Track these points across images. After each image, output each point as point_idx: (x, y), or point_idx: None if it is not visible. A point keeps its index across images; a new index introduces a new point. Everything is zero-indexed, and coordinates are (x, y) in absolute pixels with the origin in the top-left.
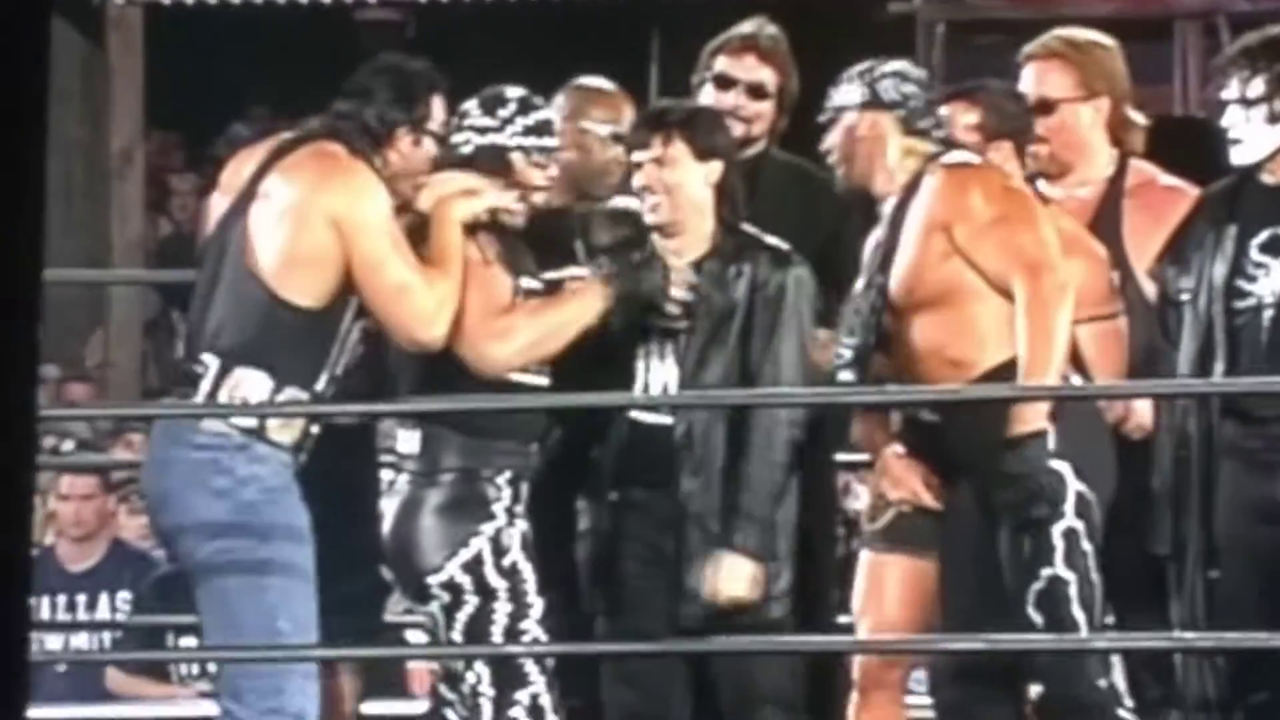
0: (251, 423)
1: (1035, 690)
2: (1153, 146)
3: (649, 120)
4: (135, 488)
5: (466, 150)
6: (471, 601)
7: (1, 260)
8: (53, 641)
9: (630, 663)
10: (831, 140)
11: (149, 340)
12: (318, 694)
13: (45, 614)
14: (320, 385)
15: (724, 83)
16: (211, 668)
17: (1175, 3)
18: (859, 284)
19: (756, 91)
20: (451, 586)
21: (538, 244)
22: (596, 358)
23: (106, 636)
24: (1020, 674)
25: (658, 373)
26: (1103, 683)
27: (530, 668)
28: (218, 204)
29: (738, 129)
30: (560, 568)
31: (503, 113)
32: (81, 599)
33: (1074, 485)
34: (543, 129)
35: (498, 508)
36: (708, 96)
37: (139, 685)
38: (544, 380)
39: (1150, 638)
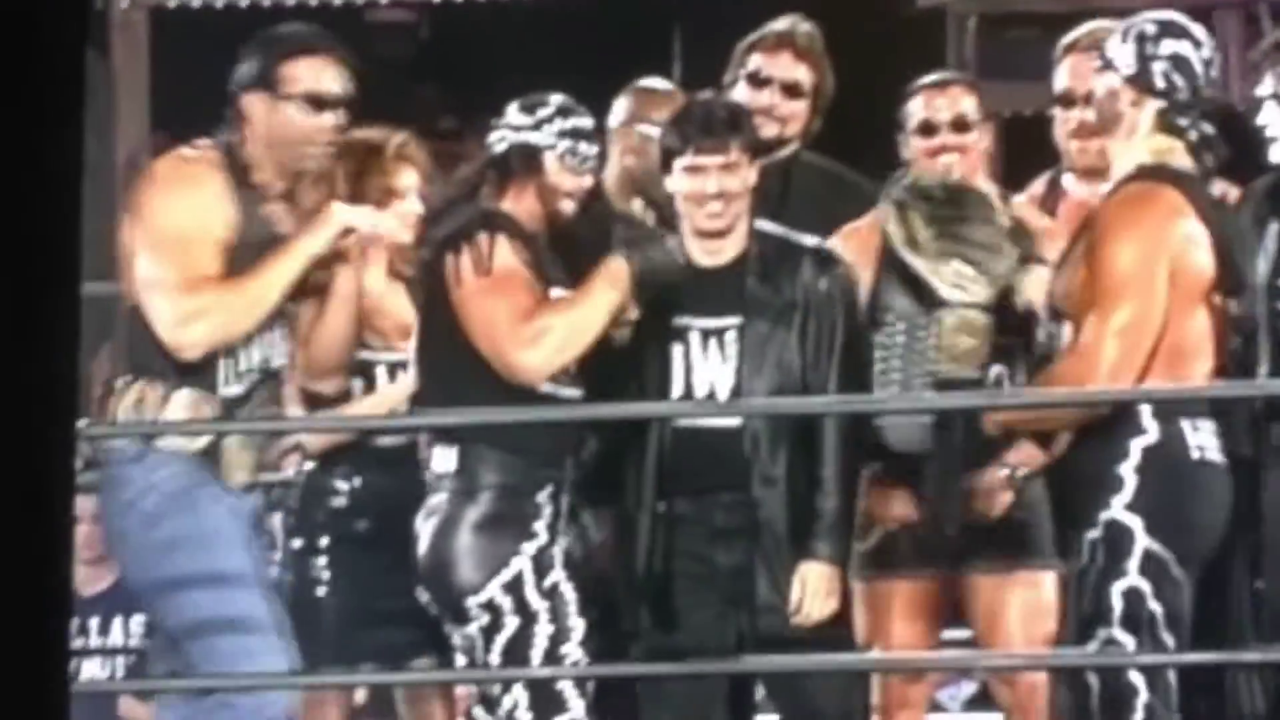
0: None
1: None
2: None
3: (713, 120)
4: None
5: (500, 148)
6: (511, 623)
7: (42, 277)
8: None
9: (670, 684)
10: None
11: None
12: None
13: None
14: (222, 387)
15: (758, 81)
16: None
17: None
18: None
19: (792, 90)
20: (491, 607)
21: (568, 252)
22: (630, 360)
23: (120, 662)
24: None
25: (702, 374)
26: None
27: (570, 693)
28: None
29: (771, 128)
30: (600, 586)
31: (541, 113)
32: (94, 623)
33: (1142, 541)
34: (579, 134)
35: (539, 525)
36: (741, 95)
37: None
38: (576, 391)
39: (1197, 654)
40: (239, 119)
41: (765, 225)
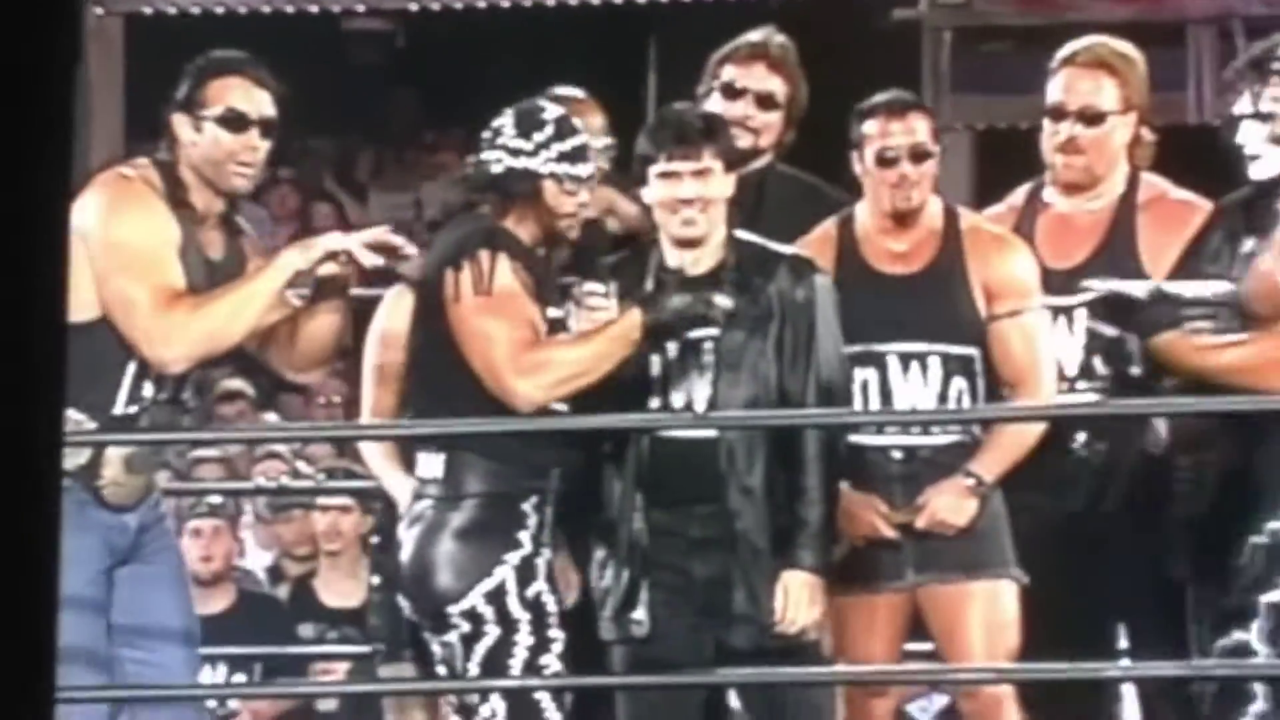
0: None
1: None
2: (1166, 157)
3: (687, 128)
4: None
5: (497, 169)
6: (492, 632)
7: (30, 285)
8: None
9: (647, 694)
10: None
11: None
12: None
13: None
14: (119, 409)
15: (732, 92)
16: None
17: (1188, 7)
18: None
19: (765, 101)
20: (473, 616)
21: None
22: (612, 373)
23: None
24: None
25: (681, 386)
26: None
27: (548, 704)
28: None
29: (745, 140)
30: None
31: (538, 136)
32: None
33: None
34: (577, 155)
35: (524, 535)
36: (715, 106)
37: None
38: (561, 403)
39: (1168, 666)
40: (171, 140)
41: (742, 234)
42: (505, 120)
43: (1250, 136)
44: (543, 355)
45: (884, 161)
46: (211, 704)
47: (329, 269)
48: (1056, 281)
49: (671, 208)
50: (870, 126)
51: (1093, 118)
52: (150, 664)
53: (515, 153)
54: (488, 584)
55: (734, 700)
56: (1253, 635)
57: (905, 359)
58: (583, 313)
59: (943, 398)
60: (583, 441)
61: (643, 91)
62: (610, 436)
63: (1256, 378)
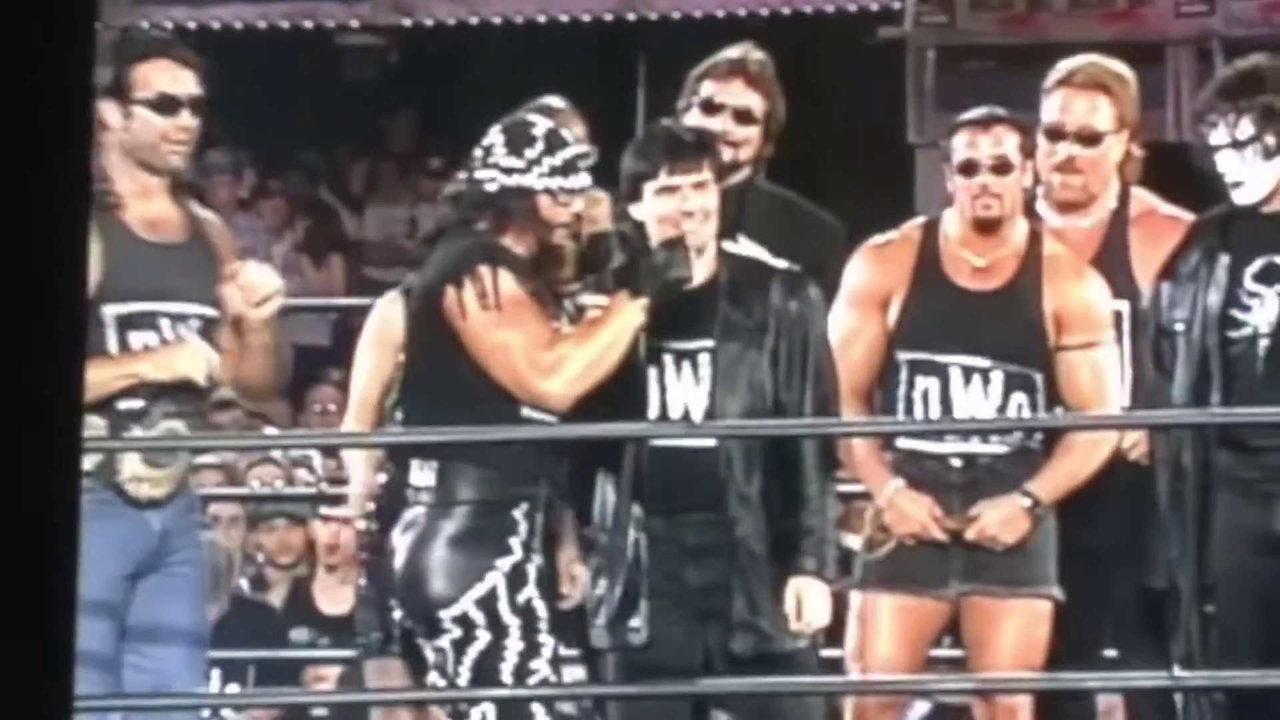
0: None
1: None
2: (1145, 172)
3: (682, 144)
4: None
5: (491, 188)
6: (483, 638)
7: (49, 287)
8: None
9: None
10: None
11: None
12: None
13: None
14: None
15: (711, 108)
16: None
17: (1167, 28)
18: None
19: (744, 117)
20: (464, 621)
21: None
22: (607, 382)
23: None
24: None
25: (676, 395)
26: None
27: (537, 709)
28: None
29: (725, 154)
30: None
31: (530, 153)
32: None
33: None
34: (569, 167)
35: (515, 542)
36: (694, 121)
37: None
38: (552, 416)
39: (1146, 677)
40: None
41: (733, 248)
42: (495, 139)
43: (1231, 164)
44: (562, 352)
45: (967, 170)
46: (206, 712)
47: (265, 309)
48: None
49: (674, 221)
50: (959, 139)
51: (1090, 138)
52: (150, 670)
53: (509, 171)
54: (479, 590)
55: (720, 716)
56: None
57: (968, 372)
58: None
59: (1002, 412)
60: (574, 450)
61: (632, 107)
62: (605, 445)
63: None
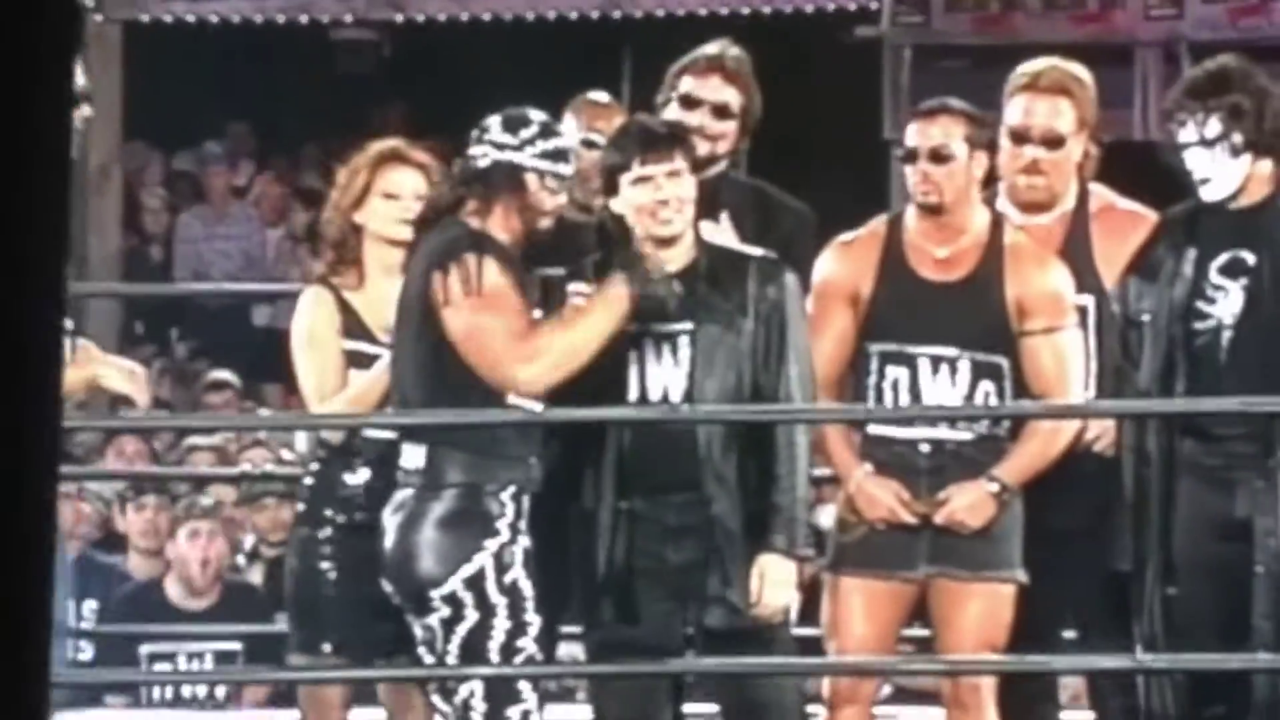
0: None
1: None
2: (1113, 170)
3: (655, 135)
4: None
5: (483, 164)
6: (471, 617)
7: (30, 270)
8: None
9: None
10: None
11: (123, 351)
12: None
13: None
14: None
15: (689, 103)
16: (184, 691)
17: (1136, 30)
18: None
19: (721, 111)
20: (452, 600)
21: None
22: (588, 364)
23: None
24: None
25: (656, 378)
26: None
27: (524, 685)
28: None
29: (703, 147)
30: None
31: (524, 133)
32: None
33: None
34: (559, 155)
35: (502, 524)
36: (673, 115)
37: None
38: (535, 404)
39: (1110, 659)
40: None
41: (711, 236)
42: (493, 120)
43: (1198, 162)
44: (539, 342)
45: (910, 159)
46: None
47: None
48: None
49: (650, 211)
50: (909, 129)
51: (1053, 141)
52: None
53: (501, 147)
54: (467, 570)
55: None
56: None
57: (936, 361)
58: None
59: (970, 400)
60: (559, 435)
61: (617, 102)
62: (590, 428)
63: None
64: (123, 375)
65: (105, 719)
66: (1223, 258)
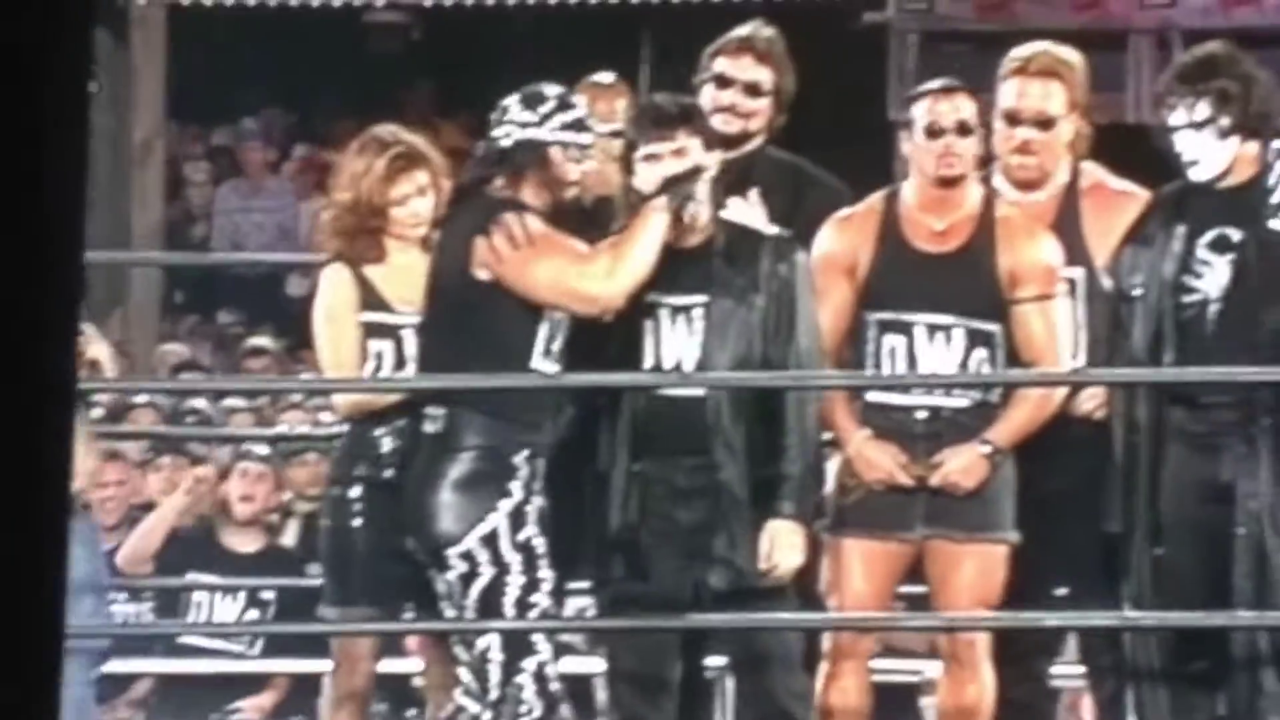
0: None
1: None
2: (1108, 151)
3: (662, 114)
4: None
5: (506, 144)
6: (487, 573)
7: (49, 242)
8: None
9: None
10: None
11: (165, 319)
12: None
13: None
14: None
15: (723, 82)
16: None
17: (1131, 18)
18: None
19: (753, 90)
20: (469, 557)
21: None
22: (605, 332)
23: None
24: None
25: (670, 348)
26: None
27: (538, 638)
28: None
29: (735, 125)
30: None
31: (543, 109)
32: None
33: None
34: (579, 125)
35: (515, 485)
36: (708, 95)
37: None
38: (554, 366)
39: (1099, 616)
40: None
41: (740, 211)
42: (511, 100)
43: (1188, 144)
44: (605, 260)
45: (932, 134)
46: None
47: None
48: None
49: (656, 188)
50: (921, 107)
51: (1044, 122)
52: None
53: (523, 125)
54: (483, 528)
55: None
56: None
57: (932, 329)
58: None
59: (964, 366)
60: (577, 400)
61: (636, 84)
62: (606, 394)
63: None
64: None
65: (147, 667)
66: (1210, 235)
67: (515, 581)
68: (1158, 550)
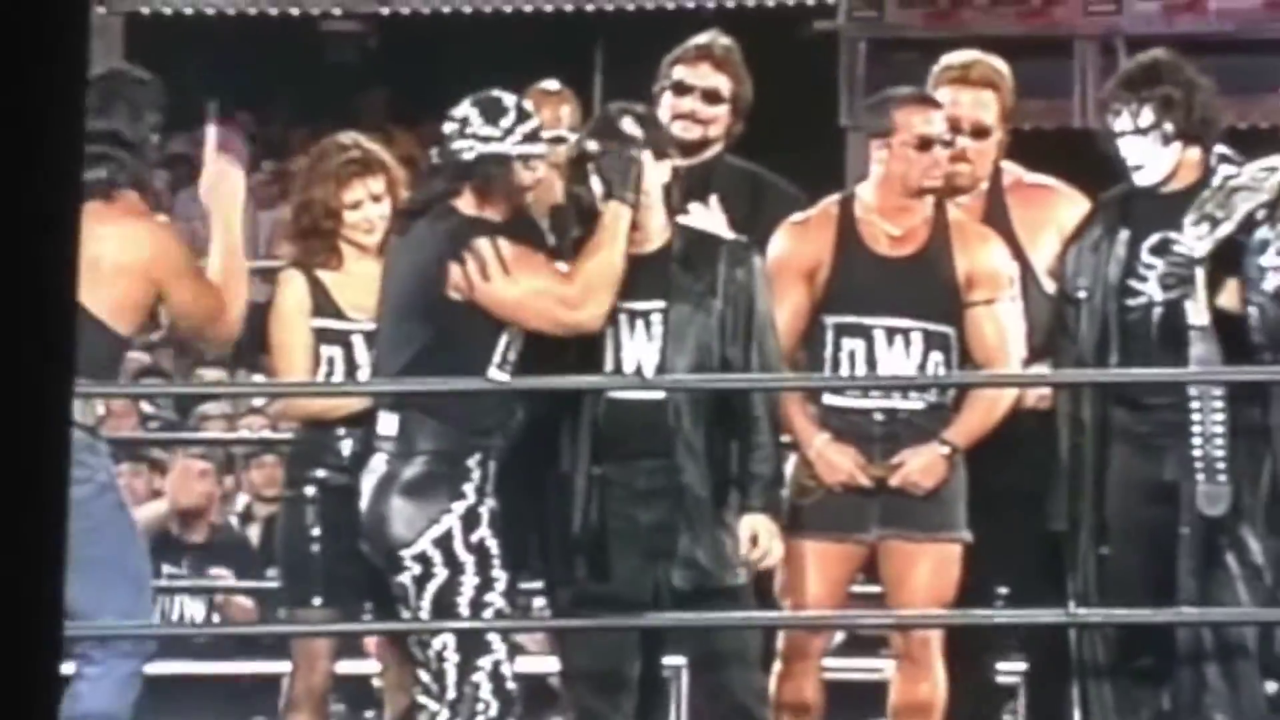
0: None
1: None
2: (1054, 156)
3: (613, 126)
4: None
5: (469, 157)
6: (441, 574)
7: (41, 254)
8: None
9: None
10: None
11: None
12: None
13: None
14: None
15: (681, 89)
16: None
17: (1076, 25)
18: None
19: (711, 97)
20: (423, 559)
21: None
22: (565, 338)
23: None
24: None
25: (630, 353)
26: None
27: (493, 637)
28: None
29: (695, 132)
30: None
31: (504, 122)
32: None
33: None
34: (535, 135)
35: (468, 488)
36: (667, 102)
37: None
38: (505, 375)
39: (1046, 613)
40: None
41: (686, 220)
42: (469, 112)
43: (1132, 149)
44: (581, 279)
45: (924, 145)
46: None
47: None
48: None
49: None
50: (903, 114)
51: (979, 131)
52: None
53: (486, 139)
54: (436, 530)
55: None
56: None
57: (891, 333)
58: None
59: (921, 369)
60: (534, 404)
61: (589, 92)
62: (566, 398)
63: None
64: None
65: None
66: (1153, 238)
67: (469, 582)
68: (1103, 549)
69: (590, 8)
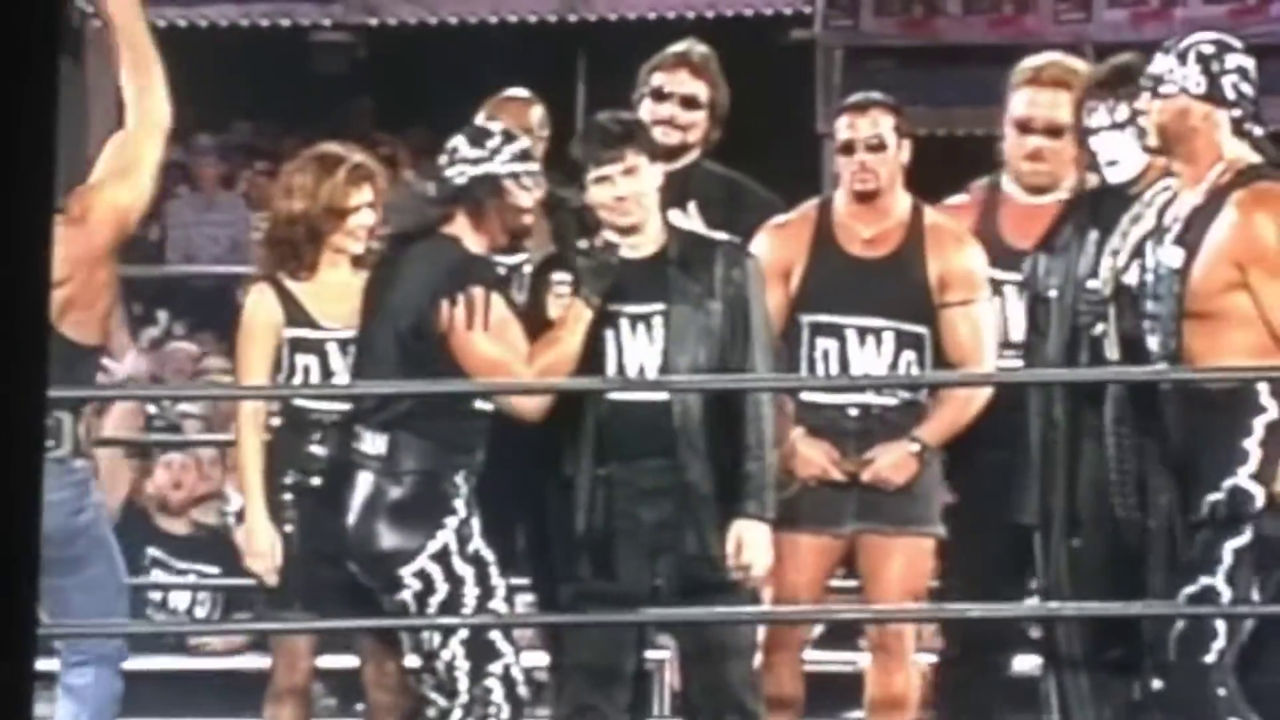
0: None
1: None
2: None
3: (609, 134)
4: None
5: (461, 181)
6: (443, 589)
7: (16, 257)
8: None
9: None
10: (1156, 114)
11: (126, 329)
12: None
13: None
14: None
15: (660, 95)
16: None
17: (1046, 33)
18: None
19: (689, 103)
20: (423, 576)
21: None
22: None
23: None
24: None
25: (632, 355)
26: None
27: (500, 641)
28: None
29: (673, 137)
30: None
31: (490, 144)
32: None
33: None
34: (526, 155)
35: (458, 502)
36: (646, 109)
37: None
38: (488, 404)
39: (1021, 607)
40: None
41: (680, 222)
42: (457, 141)
43: (1106, 145)
44: (536, 370)
45: (847, 150)
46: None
47: None
48: (1019, 259)
49: (610, 206)
50: (841, 122)
51: (1054, 130)
52: None
53: (475, 161)
54: (433, 546)
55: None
56: (1218, 580)
57: (863, 332)
58: (552, 298)
59: (894, 368)
60: (504, 425)
61: (573, 100)
62: (571, 403)
63: None
64: None
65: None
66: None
67: (471, 593)
68: (1074, 542)
69: (573, 18)
